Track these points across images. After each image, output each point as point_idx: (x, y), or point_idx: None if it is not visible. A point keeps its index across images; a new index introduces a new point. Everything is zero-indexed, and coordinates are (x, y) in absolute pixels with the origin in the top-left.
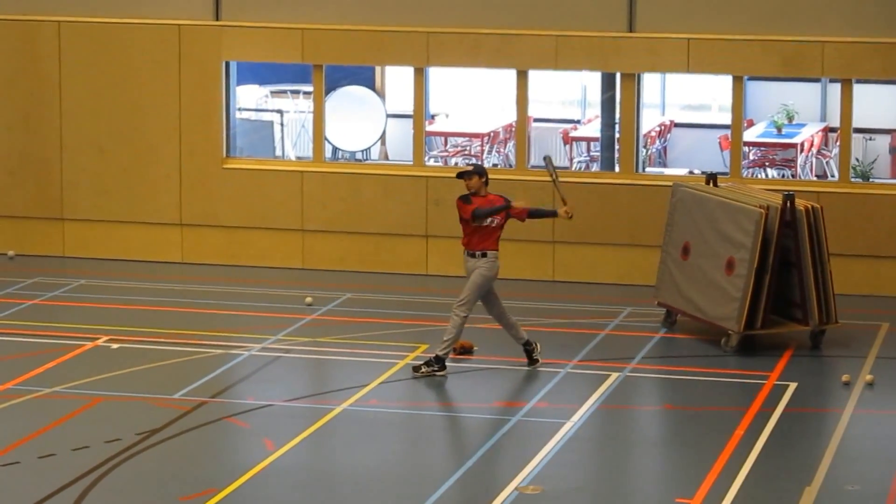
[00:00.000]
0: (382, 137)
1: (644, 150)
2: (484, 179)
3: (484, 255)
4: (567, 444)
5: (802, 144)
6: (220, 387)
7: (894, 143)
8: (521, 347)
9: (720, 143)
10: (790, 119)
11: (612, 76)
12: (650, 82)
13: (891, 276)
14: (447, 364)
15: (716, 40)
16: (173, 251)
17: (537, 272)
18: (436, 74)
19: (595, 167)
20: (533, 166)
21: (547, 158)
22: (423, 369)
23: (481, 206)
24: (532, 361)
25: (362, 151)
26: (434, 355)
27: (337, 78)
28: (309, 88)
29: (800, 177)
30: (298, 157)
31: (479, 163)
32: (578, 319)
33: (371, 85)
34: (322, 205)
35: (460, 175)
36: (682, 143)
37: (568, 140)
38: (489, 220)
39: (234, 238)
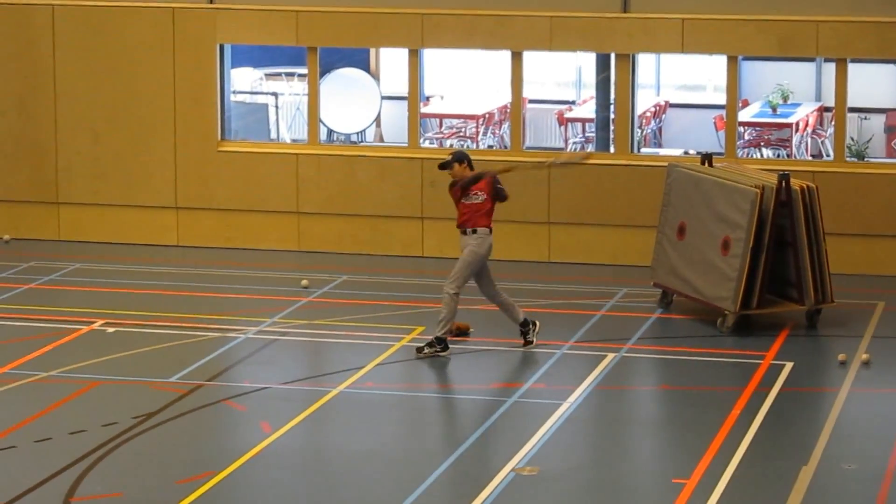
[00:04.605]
0: (377, 119)
1: (639, 131)
2: (465, 164)
3: (474, 232)
4: (564, 425)
5: (797, 124)
6: (217, 370)
7: (889, 123)
8: (517, 328)
9: (715, 123)
10: (785, 99)
11: (607, 57)
12: (645, 63)
13: (886, 255)
14: (449, 344)
15: (710, 20)
16: (169, 234)
17: (533, 253)
18: (430, 56)
19: (590, 148)
20: (528, 147)
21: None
22: (426, 350)
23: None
24: (526, 342)
25: (357, 134)
26: (434, 337)
27: (331, 60)
28: (304, 71)
29: (795, 156)
30: (293, 140)
31: (459, 149)
32: (574, 300)
33: (366, 67)
34: (317, 187)
35: (442, 167)
36: (678, 123)
37: (563, 121)
38: (476, 195)
39: (229, 221)
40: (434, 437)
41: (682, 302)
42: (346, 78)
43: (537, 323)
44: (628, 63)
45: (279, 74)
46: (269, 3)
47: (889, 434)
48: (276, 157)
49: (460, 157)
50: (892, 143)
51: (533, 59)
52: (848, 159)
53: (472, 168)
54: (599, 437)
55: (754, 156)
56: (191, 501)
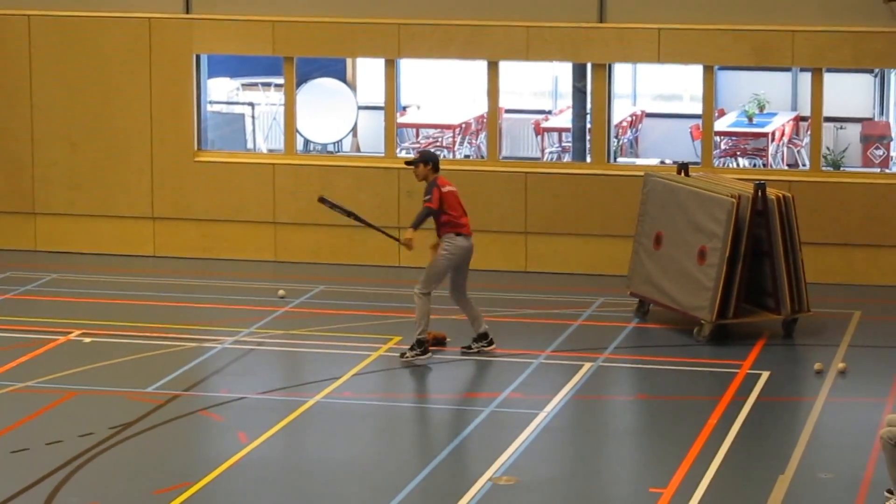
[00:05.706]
0: (354, 129)
1: (616, 141)
2: (430, 166)
3: (440, 239)
4: (541, 435)
5: (773, 134)
6: (194, 380)
7: (865, 132)
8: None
9: (691, 132)
10: (761, 108)
11: (584, 67)
12: (621, 72)
13: (862, 264)
14: (429, 349)
15: (686, 30)
16: (145, 245)
17: (510, 263)
18: (407, 66)
19: (567, 158)
20: (505, 157)
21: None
22: (409, 354)
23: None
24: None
25: (334, 143)
26: (415, 340)
27: (308, 70)
28: (280, 81)
29: (771, 166)
30: (270, 150)
31: (428, 150)
32: (551, 310)
33: (342, 77)
34: (294, 197)
35: (408, 163)
36: (654, 133)
37: (539, 131)
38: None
39: (206, 231)
40: (411, 446)
41: (658, 311)
42: (322, 88)
43: (493, 340)
44: (605, 73)
45: (256, 84)
46: (246, 14)
47: (865, 443)
48: (252, 167)
49: (426, 158)
50: (868, 153)
51: (509, 69)
52: (824, 169)
53: (436, 171)
54: (577, 447)
55: (730, 165)
56: None
